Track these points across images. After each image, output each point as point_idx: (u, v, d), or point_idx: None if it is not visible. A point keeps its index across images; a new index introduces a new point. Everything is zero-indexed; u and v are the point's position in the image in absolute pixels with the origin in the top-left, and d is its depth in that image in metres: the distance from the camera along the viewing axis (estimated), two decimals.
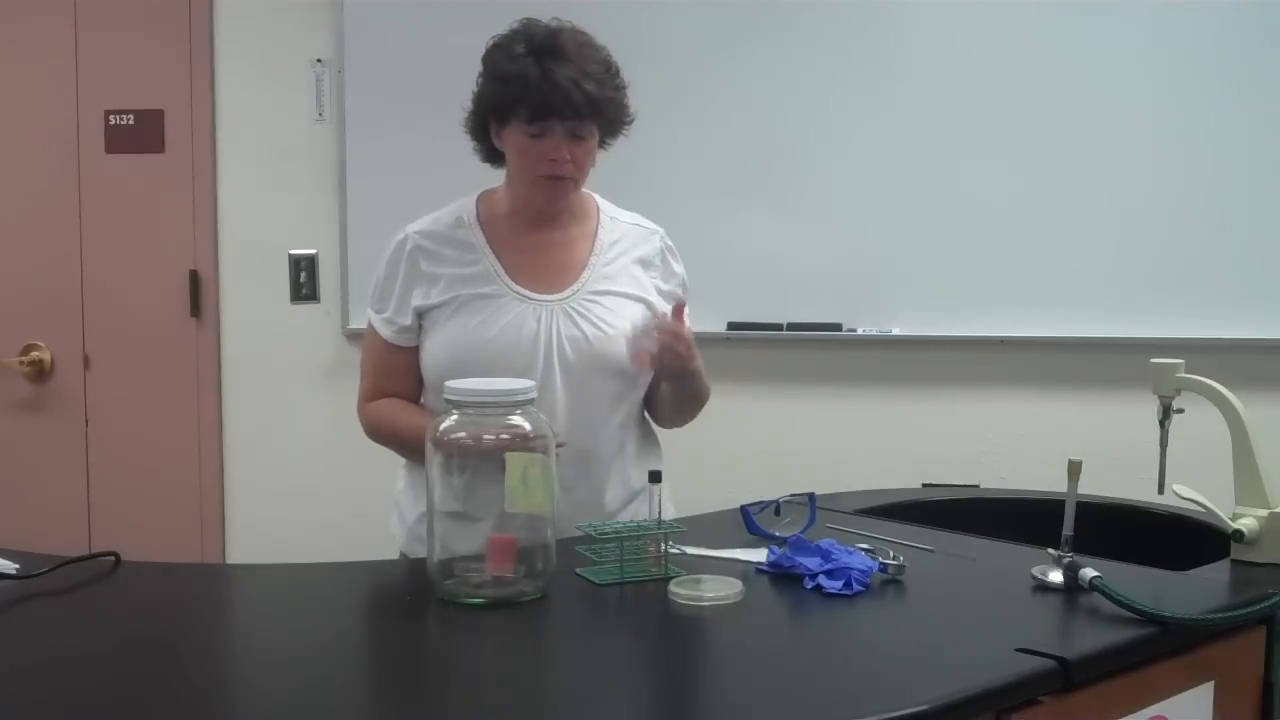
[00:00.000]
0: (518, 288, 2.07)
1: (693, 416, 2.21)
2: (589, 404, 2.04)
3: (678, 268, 2.19)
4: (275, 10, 3.60)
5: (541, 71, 1.96)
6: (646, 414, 2.20)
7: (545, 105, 1.96)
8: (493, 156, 2.11)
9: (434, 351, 2.07)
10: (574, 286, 2.08)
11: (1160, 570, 1.77)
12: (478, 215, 2.13)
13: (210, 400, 3.70)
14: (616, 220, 2.17)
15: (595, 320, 2.05)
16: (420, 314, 2.09)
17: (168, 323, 3.68)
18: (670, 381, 2.11)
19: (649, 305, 2.11)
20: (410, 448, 2.09)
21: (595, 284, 2.09)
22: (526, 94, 1.97)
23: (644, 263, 2.14)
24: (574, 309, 2.06)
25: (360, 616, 1.75)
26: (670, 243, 2.19)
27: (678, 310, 2.02)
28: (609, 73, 2.03)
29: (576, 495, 1.99)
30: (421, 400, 2.14)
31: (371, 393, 2.15)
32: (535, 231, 2.11)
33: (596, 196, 2.18)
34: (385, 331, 2.12)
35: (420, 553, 2.01)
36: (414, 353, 2.11)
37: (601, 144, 2.10)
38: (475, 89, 2.06)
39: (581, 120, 1.98)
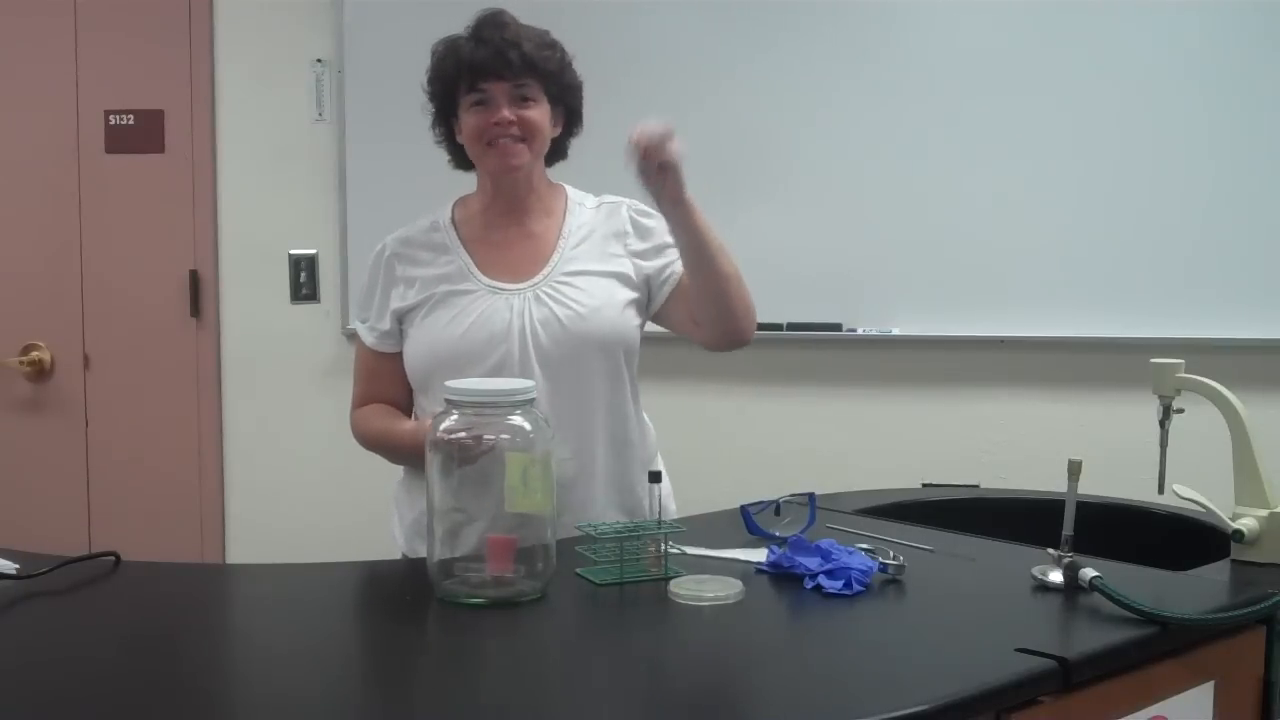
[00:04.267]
0: (489, 281, 2.08)
1: (733, 313, 2.03)
2: (570, 387, 2.03)
3: (652, 222, 2.11)
4: (275, 10, 3.60)
5: (475, 41, 2.02)
6: (644, 415, 2.20)
7: (480, 67, 2.00)
8: (464, 162, 2.14)
9: (413, 351, 2.09)
10: (544, 272, 2.08)
11: (1160, 570, 1.77)
12: (452, 219, 2.16)
13: (210, 400, 3.70)
14: (583, 206, 2.17)
15: (566, 300, 2.05)
16: (399, 317, 2.11)
17: (168, 323, 3.68)
18: (675, 233, 1.99)
19: (622, 278, 2.10)
20: (390, 451, 2.12)
21: (565, 266, 2.09)
22: (461, 63, 2.02)
23: (616, 235, 2.13)
24: (544, 293, 2.06)
25: (360, 616, 1.76)
26: (640, 205, 2.13)
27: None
28: (546, 44, 2.06)
29: (567, 487, 1.97)
30: (413, 405, 2.14)
31: (359, 400, 2.17)
32: (505, 225, 2.12)
33: (568, 187, 2.19)
34: (369, 339, 2.15)
35: (421, 550, 2.02)
36: (398, 359, 2.12)
37: (570, 131, 2.12)
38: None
39: (517, 78, 2.00)
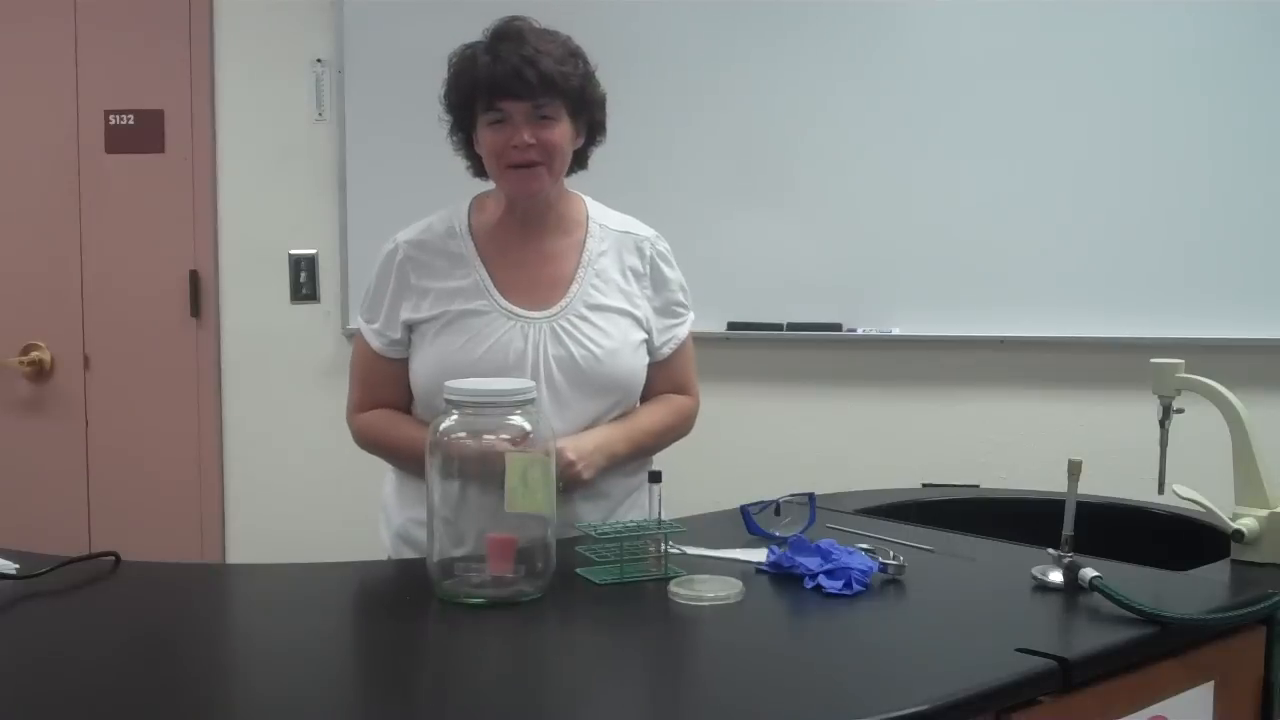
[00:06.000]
0: (506, 304, 2.03)
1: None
2: (577, 423, 2.01)
3: (671, 274, 2.14)
4: (275, 10, 3.61)
5: (492, 56, 1.95)
6: None
7: (496, 86, 1.94)
8: (482, 170, 2.09)
9: (422, 368, 2.04)
10: (562, 303, 2.04)
11: (1160, 570, 1.77)
12: (469, 224, 2.09)
13: (210, 400, 3.70)
14: (606, 227, 2.12)
15: (583, 340, 2.02)
16: (409, 327, 2.06)
17: (168, 323, 3.68)
18: None
19: (637, 320, 2.09)
20: (405, 459, 2.05)
21: (584, 298, 2.05)
22: (478, 80, 1.96)
23: (635, 274, 2.10)
24: (561, 327, 2.03)
25: (360, 616, 1.76)
26: (663, 248, 2.14)
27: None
28: (569, 54, 1.99)
29: (566, 506, 1.94)
30: (412, 411, 2.10)
31: (362, 403, 2.11)
32: (525, 241, 2.07)
33: (587, 201, 2.15)
34: (375, 343, 2.08)
35: (408, 556, 2.02)
36: (404, 364, 2.08)
37: (593, 141, 2.08)
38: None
39: (536, 98, 1.94)
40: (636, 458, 2.09)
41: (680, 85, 3.40)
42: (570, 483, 1.93)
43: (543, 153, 1.97)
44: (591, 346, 2.03)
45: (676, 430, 2.17)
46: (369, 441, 2.12)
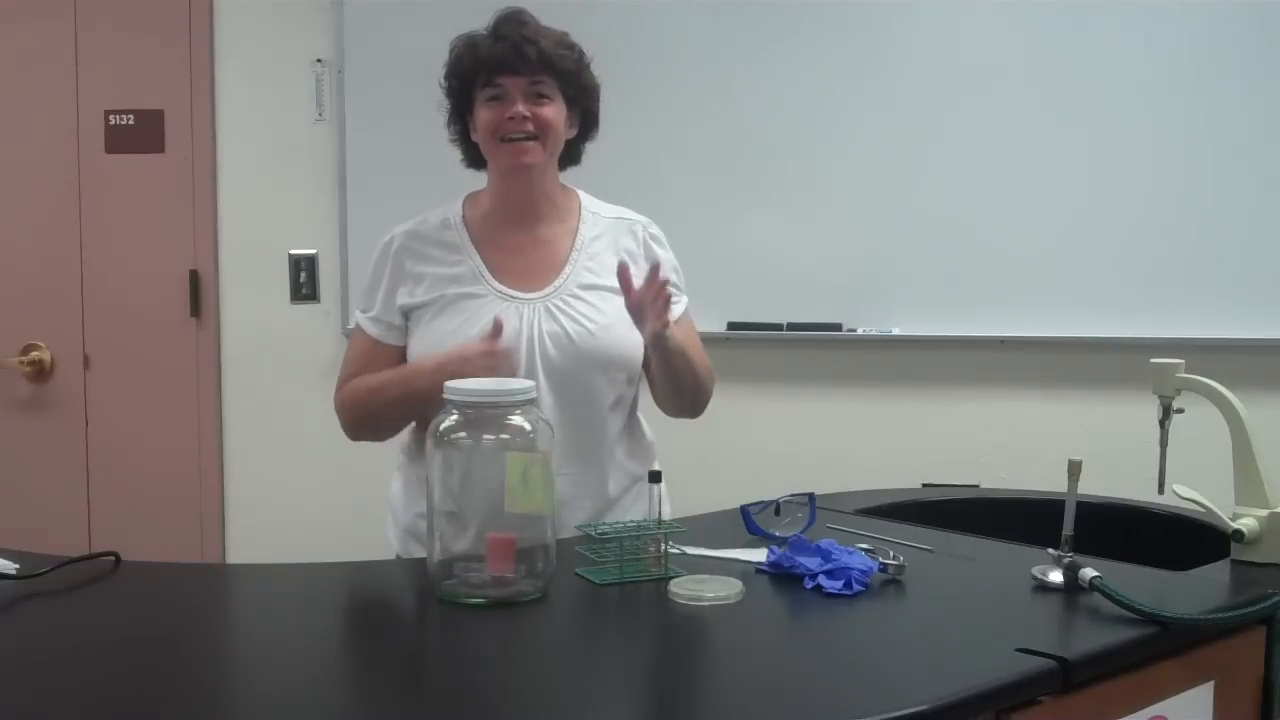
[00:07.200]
0: (501, 286, 2.07)
1: (693, 404, 2.14)
2: (575, 402, 2.03)
3: (664, 255, 2.16)
4: (275, 10, 3.61)
5: (494, 36, 2.02)
6: (640, 418, 2.20)
7: (496, 61, 2.00)
8: (477, 161, 2.13)
9: (418, 352, 2.07)
10: (555, 283, 2.08)
11: (1160, 570, 1.77)
12: (463, 217, 2.14)
13: (210, 400, 3.70)
14: (599, 215, 2.16)
15: (577, 316, 2.05)
16: (406, 312, 2.09)
17: (168, 323, 3.68)
18: (654, 352, 2.03)
19: None
20: (393, 399, 2.03)
21: (577, 279, 2.08)
22: (479, 58, 2.02)
23: (629, 253, 2.12)
24: (555, 306, 2.05)
25: (360, 616, 1.76)
26: (655, 231, 2.17)
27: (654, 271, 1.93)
28: (566, 44, 2.06)
29: (564, 493, 1.95)
30: None
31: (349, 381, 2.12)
32: (518, 228, 2.11)
33: (581, 193, 2.18)
34: (372, 330, 2.12)
35: (416, 552, 2.02)
36: (400, 351, 2.10)
37: (586, 134, 2.11)
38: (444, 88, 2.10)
39: (534, 74, 2.00)
40: (682, 366, 2.05)
41: (680, 84, 3.40)
42: (663, 307, 1.91)
43: (537, 127, 2.02)
44: (585, 322, 2.05)
45: (704, 383, 2.14)
46: (352, 400, 2.09)
